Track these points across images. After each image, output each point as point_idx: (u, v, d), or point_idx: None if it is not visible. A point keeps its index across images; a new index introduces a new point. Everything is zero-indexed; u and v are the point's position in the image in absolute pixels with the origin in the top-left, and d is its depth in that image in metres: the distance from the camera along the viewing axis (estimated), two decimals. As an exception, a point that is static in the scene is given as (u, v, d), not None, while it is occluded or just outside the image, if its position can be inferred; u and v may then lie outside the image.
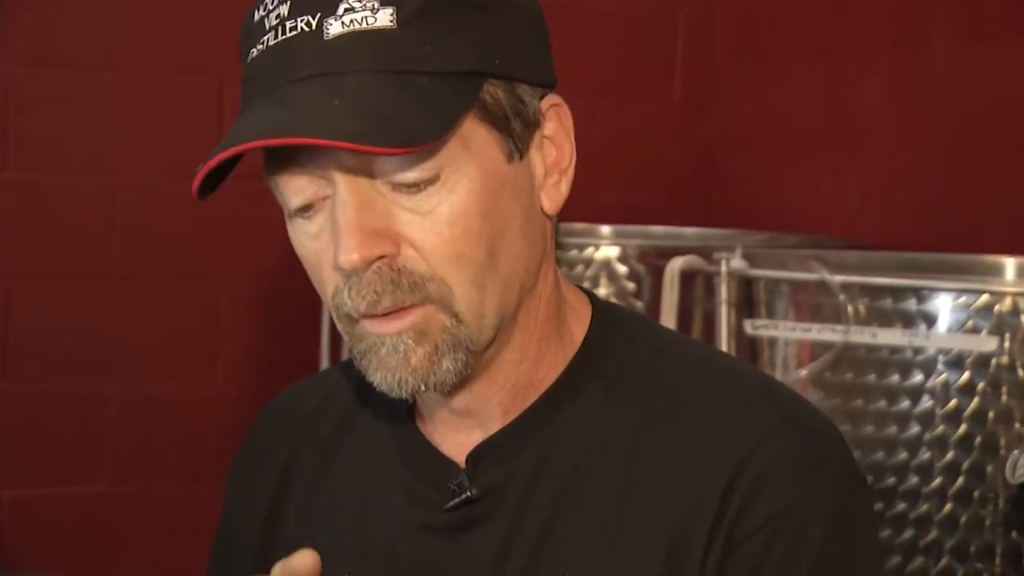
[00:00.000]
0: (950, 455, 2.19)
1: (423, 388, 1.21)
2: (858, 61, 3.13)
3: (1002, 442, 2.17)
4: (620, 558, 1.22)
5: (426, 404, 1.31)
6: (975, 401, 2.17)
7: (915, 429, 2.21)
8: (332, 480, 1.37)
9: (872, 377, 2.25)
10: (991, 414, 2.17)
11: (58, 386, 3.00)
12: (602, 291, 2.68)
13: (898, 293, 2.23)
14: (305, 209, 1.21)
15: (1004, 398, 2.16)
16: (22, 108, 2.95)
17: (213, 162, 1.15)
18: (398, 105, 1.14)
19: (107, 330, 3.02)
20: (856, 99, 3.13)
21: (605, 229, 2.80)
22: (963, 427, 2.18)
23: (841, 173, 3.17)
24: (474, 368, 1.24)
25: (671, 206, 3.41)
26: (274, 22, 1.18)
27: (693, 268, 2.54)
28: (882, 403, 2.23)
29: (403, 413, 1.33)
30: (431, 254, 1.18)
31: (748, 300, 2.45)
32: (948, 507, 2.19)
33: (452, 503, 1.27)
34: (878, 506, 2.22)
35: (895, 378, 2.22)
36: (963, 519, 2.18)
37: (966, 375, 2.18)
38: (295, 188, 1.20)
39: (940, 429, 2.19)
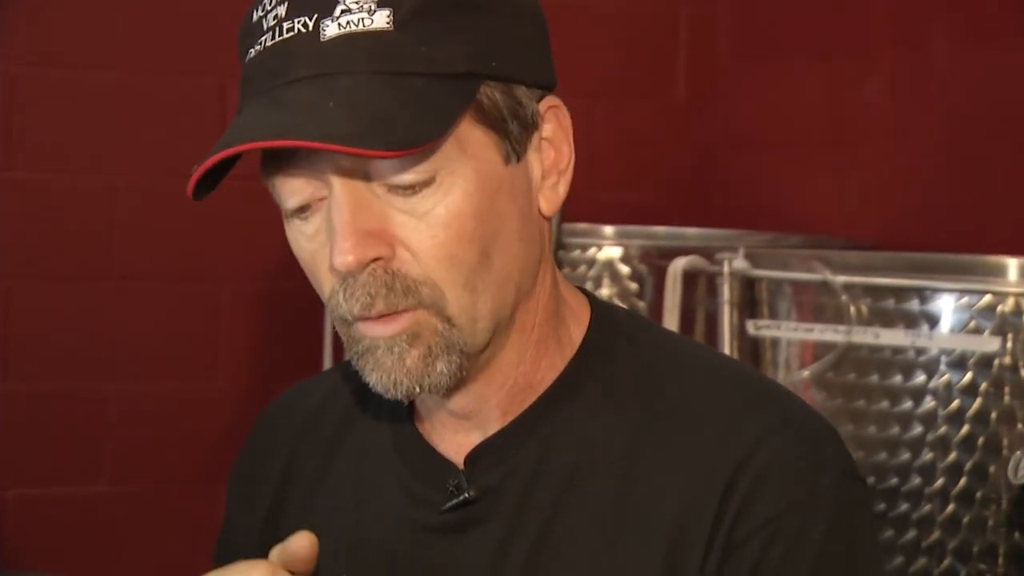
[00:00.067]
0: (953, 456, 2.19)
1: (417, 390, 1.21)
2: (858, 61, 3.13)
3: (1005, 443, 2.17)
4: (619, 558, 1.22)
5: (425, 405, 1.31)
6: (978, 402, 2.17)
7: (918, 430, 2.21)
8: (332, 480, 1.37)
9: (875, 378, 2.25)
10: (994, 415, 2.17)
11: (58, 386, 3.00)
12: (605, 291, 2.68)
13: (901, 293, 2.23)
14: (302, 210, 1.21)
15: (1007, 399, 2.16)
16: (23, 108, 2.95)
17: (207, 164, 1.15)
18: (393, 107, 1.14)
19: (108, 330, 3.02)
20: (856, 99, 3.13)
21: (608, 229, 2.80)
22: (966, 428, 2.18)
23: (841, 173, 3.17)
24: (471, 370, 1.24)
25: (671, 206, 3.41)
26: (272, 23, 1.18)
27: (696, 268, 2.55)
28: (885, 404, 2.23)
29: (403, 414, 1.34)
30: (425, 257, 1.18)
31: (750, 300, 2.45)
32: (951, 508, 2.19)
33: (450, 504, 1.27)
34: (881, 507, 2.22)
35: (898, 379, 2.22)
36: (966, 520, 2.18)
37: (969, 376, 2.18)
38: (291, 189, 1.20)
39: (943, 430, 2.19)
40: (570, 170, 1.27)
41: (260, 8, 1.20)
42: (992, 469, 2.17)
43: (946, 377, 2.19)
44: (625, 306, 2.63)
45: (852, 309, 2.27)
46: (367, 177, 1.18)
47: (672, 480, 1.22)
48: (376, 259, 1.18)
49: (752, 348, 2.44)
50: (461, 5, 1.19)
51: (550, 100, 1.25)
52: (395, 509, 1.31)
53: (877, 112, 3.09)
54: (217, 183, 1.19)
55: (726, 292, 2.44)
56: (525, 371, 1.28)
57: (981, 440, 2.17)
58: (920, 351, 2.20)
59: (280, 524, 1.38)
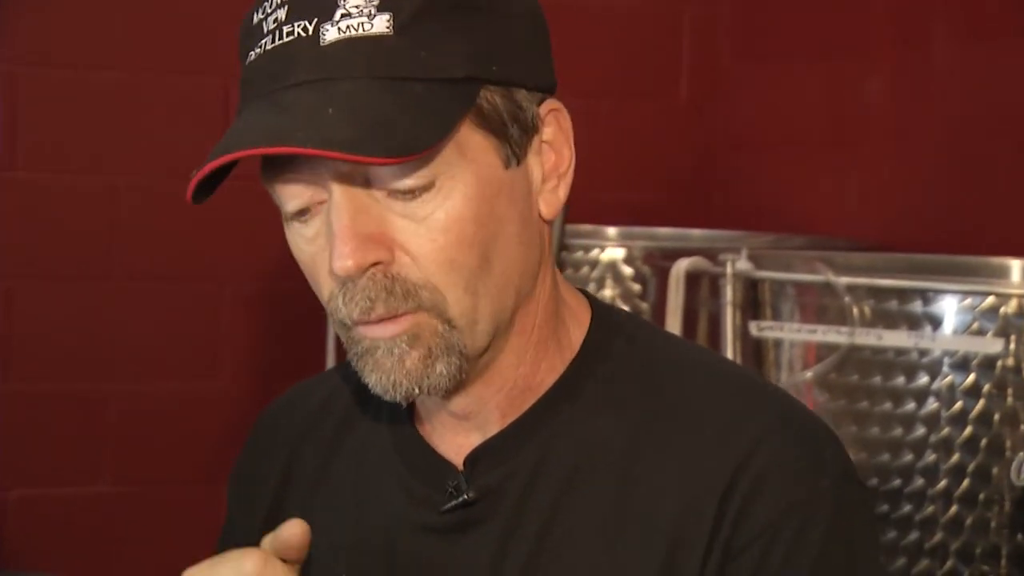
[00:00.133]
0: (955, 457, 2.19)
1: (417, 391, 1.21)
2: (859, 61, 3.13)
3: (1008, 444, 2.17)
4: (619, 559, 1.22)
5: (425, 406, 1.31)
6: (980, 403, 2.17)
7: (920, 431, 2.21)
8: (332, 480, 1.37)
9: (877, 379, 2.25)
10: (997, 416, 2.17)
11: (59, 386, 3.00)
12: (608, 293, 2.68)
13: (903, 295, 2.23)
14: (301, 213, 1.21)
15: (1010, 400, 2.16)
16: (24, 108, 2.94)
17: (206, 169, 1.15)
18: (393, 112, 1.14)
19: (109, 330, 3.02)
20: (857, 99, 3.13)
21: (611, 231, 2.80)
22: (968, 429, 2.18)
23: (842, 173, 3.17)
24: (470, 372, 1.23)
25: (672, 206, 3.41)
26: (272, 26, 1.18)
27: (698, 270, 2.55)
28: (887, 405, 2.23)
29: (403, 414, 1.34)
30: (425, 261, 1.18)
31: (753, 302, 2.45)
32: (953, 509, 2.19)
33: (449, 505, 1.27)
34: (883, 508, 2.22)
35: (900, 380, 2.22)
36: (968, 521, 2.18)
37: (972, 377, 2.18)
38: (291, 193, 1.20)
39: (945, 431, 2.19)
40: (570, 173, 1.27)
41: (261, 10, 1.20)
42: (995, 471, 2.17)
43: (949, 378, 2.19)
44: (628, 307, 2.63)
45: (855, 310, 2.27)
46: (366, 182, 1.17)
47: (672, 480, 1.22)
48: (376, 263, 1.18)
49: (755, 349, 2.44)
50: (461, 7, 1.19)
51: (551, 103, 1.25)
52: (395, 509, 1.31)
53: (878, 112, 3.09)
54: (217, 186, 1.19)
55: (729, 293, 2.44)
56: (524, 373, 1.28)
57: (984, 442, 2.17)
58: (923, 352, 2.20)
59: (280, 524, 1.38)
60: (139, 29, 3.01)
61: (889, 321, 2.24)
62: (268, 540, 1.21)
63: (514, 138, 1.21)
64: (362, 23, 1.16)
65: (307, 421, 1.42)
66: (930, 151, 2.96)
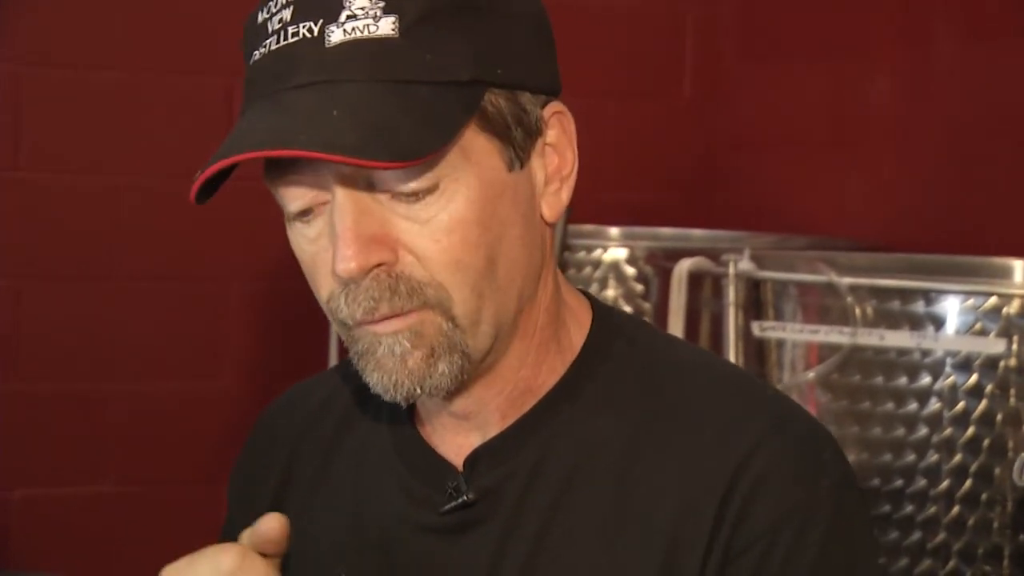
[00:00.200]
0: (958, 457, 2.19)
1: (418, 391, 1.21)
2: (862, 61, 3.12)
3: (1010, 444, 2.16)
4: (618, 560, 1.22)
5: (425, 406, 1.31)
6: (983, 403, 2.17)
7: (923, 431, 2.21)
8: (332, 480, 1.37)
9: (880, 379, 2.24)
10: (999, 416, 2.17)
11: (63, 386, 3.00)
12: (610, 293, 2.68)
13: (906, 295, 2.23)
14: (304, 213, 1.20)
15: (1012, 400, 2.16)
16: (25, 108, 2.94)
17: (209, 171, 1.15)
18: (397, 115, 1.14)
19: (111, 330, 3.02)
20: (859, 99, 3.13)
21: (613, 231, 2.80)
22: (971, 429, 2.18)
23: (844, 173, 3.17)
24: (472, 374, 1.23)
25: (674, 206, 3.41)
26: (277, 26, 1.18)
27: (701, 270, 2.55)
28: (890, 405, 2.23)
29: (403, 414, 1.34)
30: (430, 261, 1.18)
31: (756, 302, 2.45)
32: (956, 509, 2.19)
33: (449, 506, 1.27)
34: (886, 508, 2.22)
35: (903, 380, 2.22)
36: (971, 521, 2.18)
37: (974, 377, 2.18)
38: (294, 194, 1.20)
39: (948, 431, 2.19)
40: (573, 176, 1.27)
41: (266, 10, 1.20)
42: (997, 471, 2.17)
43: (951, 379, 2.19)
44: (630, 308, 2.63)
45: (857, 311, 2.27)
46: (370, 184, 1.17)
47: (671, 481, 1.22)
48: (379, 264, 1.17)
49: (757, 349, 2.44)
50: (466, 10, 1.18)
51: (555, 106, 1.25)
52: (394, 509, 1.31)
53: (880, 112, 3.09)
54: (219, 186, 1.19)
55: (731, 293, 2.44)
56: (526, 376, 1.28)
57: (986, 442, 2.17)
58: (925, 353, 2.20)
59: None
60: (141, 29, 3.01)
61: (891, 321, 2.24)
62: (246, 535, 1.21)
63: (518, 141, 1.21)
64: (367, 25, 1.15)
65: (307, 421, 1.42)
66: (932, 151, 2.96)
